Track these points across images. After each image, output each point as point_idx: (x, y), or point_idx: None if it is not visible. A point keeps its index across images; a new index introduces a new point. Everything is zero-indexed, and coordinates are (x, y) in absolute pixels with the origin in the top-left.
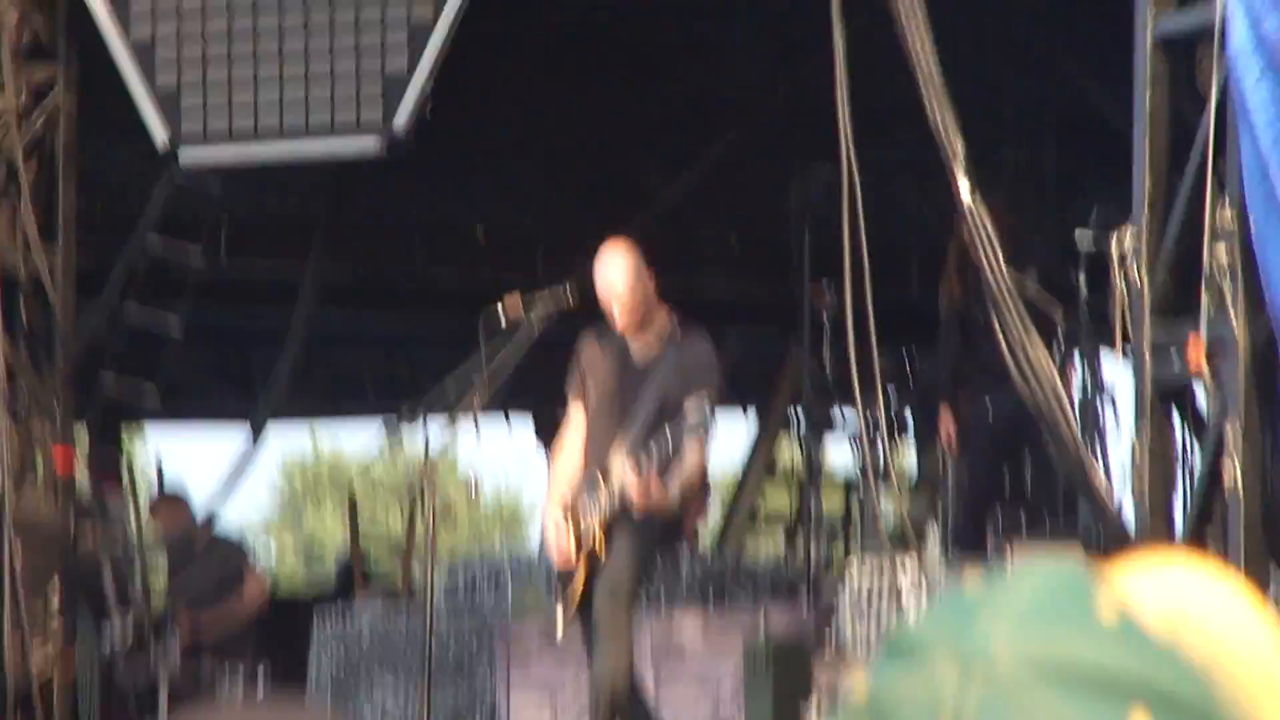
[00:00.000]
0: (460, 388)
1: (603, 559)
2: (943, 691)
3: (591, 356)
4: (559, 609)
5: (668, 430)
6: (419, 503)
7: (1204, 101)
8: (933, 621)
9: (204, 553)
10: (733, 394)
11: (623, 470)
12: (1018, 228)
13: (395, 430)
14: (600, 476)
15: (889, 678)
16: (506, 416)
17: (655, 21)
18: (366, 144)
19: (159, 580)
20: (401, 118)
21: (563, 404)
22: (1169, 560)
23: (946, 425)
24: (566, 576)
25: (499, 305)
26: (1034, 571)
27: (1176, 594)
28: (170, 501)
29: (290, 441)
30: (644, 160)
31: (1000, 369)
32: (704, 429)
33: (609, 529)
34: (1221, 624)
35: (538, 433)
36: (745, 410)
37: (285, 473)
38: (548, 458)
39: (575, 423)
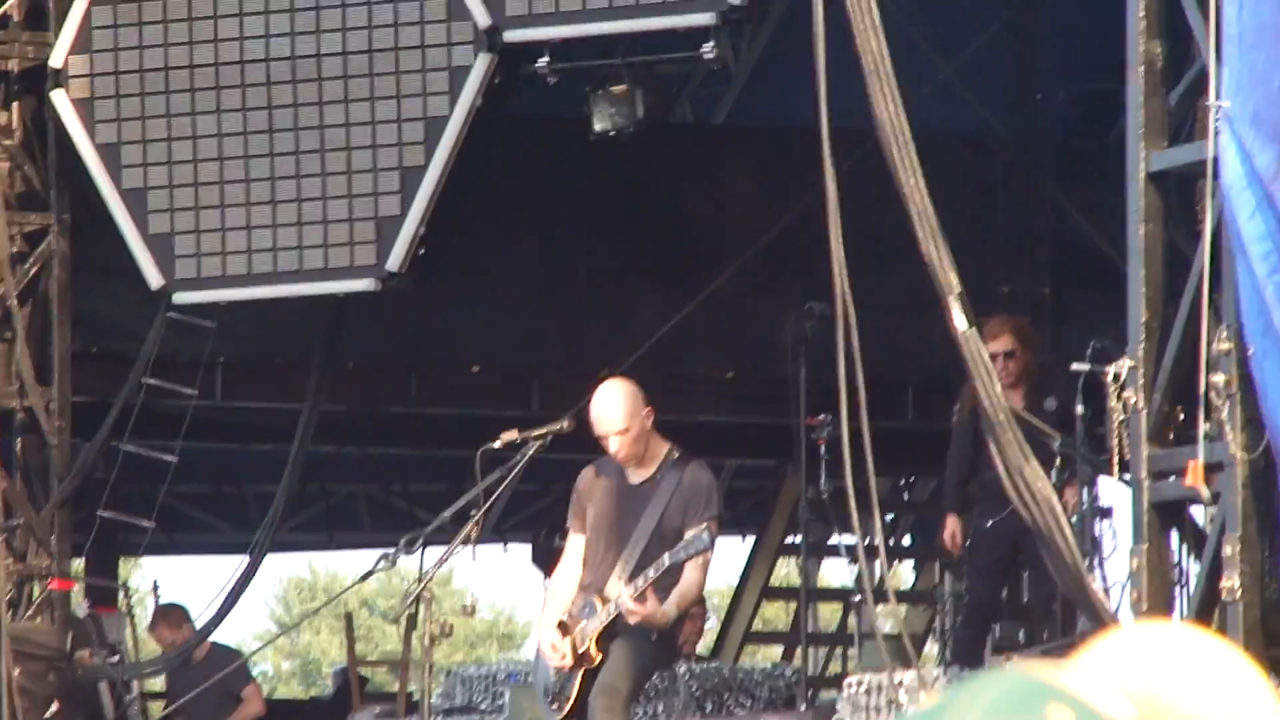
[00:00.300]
0: (458, 518)
1: (599, 667)
2: None
3: (589, 484)
4: (555, 713)
5: (667, 557)
6: (415, 618)
7: (1197, 233)
8: None
9: (204, 662)
10: (730, 521)
11: (619, 592)
12: (1044, 367)
13: (394, 558)
14: (597, 600)
15: None
16: (504, 544)
17: (650, 159)
18: (361, 284)
19: (157, 705)
20: (395, 258)
21: (560, 534)
22: (1154, 635)
23: (952, 530)
24: (561, 685)
25: (496, 440)
26: (992, 682)
27: (1153, 672)
28: (170, 612)
29: (286, 564)
30: (639, 296)
31: (999, 489)
32: (704, 554)
33: (605, 641)
34: (1201, 697)
35: (535, 560)
36: (743, 537)
37: (282, 595)
38: (545, 583)
39: (573, 550)
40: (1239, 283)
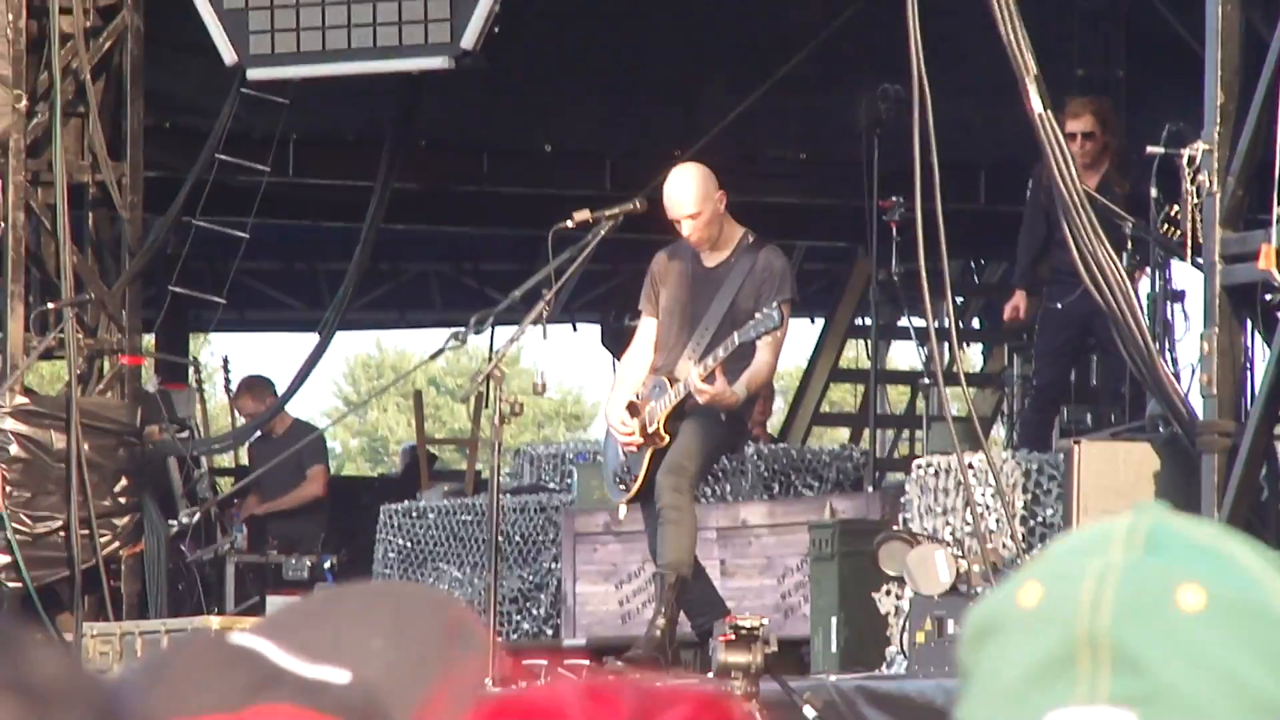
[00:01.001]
0: (528, 298)
1: (667, 448)
2: (1118, 522)
3: (663, 268)
4: (622, 494)
5: (737, 336)
6: (485, 397)
7: (1275, 14)
8: None
9: (284, 437)
10: (800, 303)
11: (689, 372)
12: (1124, 149)
13: (463, 337)
14: (668, 380)
15: (1064, 536)
16: (574, 325)
17: None
18: (435, 62)
19: (225, 481)
20: (469, 36)
21: (630, 314)
22: None
23: (1016, 304)
24: (629, 464)
25: (568, 221)
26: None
27: None
28: (255, 384)
29: (354, 343)
30: (713, 78)
31: (1072, 271)
32: (774, 332)
33: (673, 424)
34: None
35: (604, 341)
36: (812, 320)
37: (349, 373)
38: (614, 363)
39: (645, 332)
40: None
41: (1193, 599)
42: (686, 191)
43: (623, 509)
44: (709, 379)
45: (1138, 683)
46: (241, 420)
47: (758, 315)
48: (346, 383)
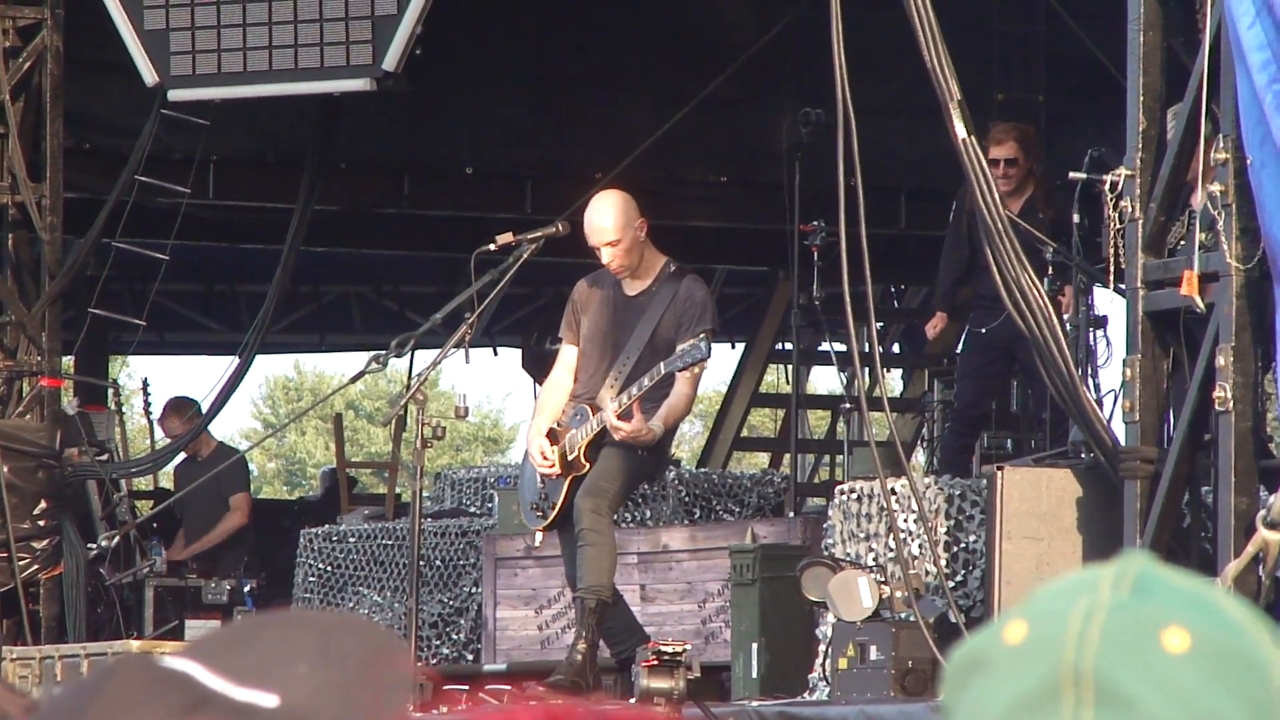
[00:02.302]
0: (449, 321)
1: (586, 473)
2: (1104, 569)
3: (585, 296)
4: (539, 520)
5: (663, 366)
6: (406, 420)
7: (1195, 41)
8: None
9: (209, 460)
10: (721, 328)
11: (606, 408)
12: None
13: (384, 360)
14: (588, 409)
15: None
16: (494, 349)
17: None
18: (357, 84)
19: (144, 504)
20: (391, 58)
21: (550, 339)
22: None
23: (935, 326)
24: (548, 490)
25: (490, 244)
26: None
27: None
28: (182, 405)
29: (271, 365)
30: (635, 102)
31: (995, 296)
32: (699, 364)
33: (593, 452)
34: None
35: (524, 364)
36: (733, 344)
37: (268, 395)
38: (534, 387)
39: (565, 359)
40: (1238, 92)
41: (1178, 640)
42: (606, 219)
43: (538, 535)
44: (625, 415)
45: (1120, 718)
46: (166, 442)
47: (684, 346)
48: (265, 405)
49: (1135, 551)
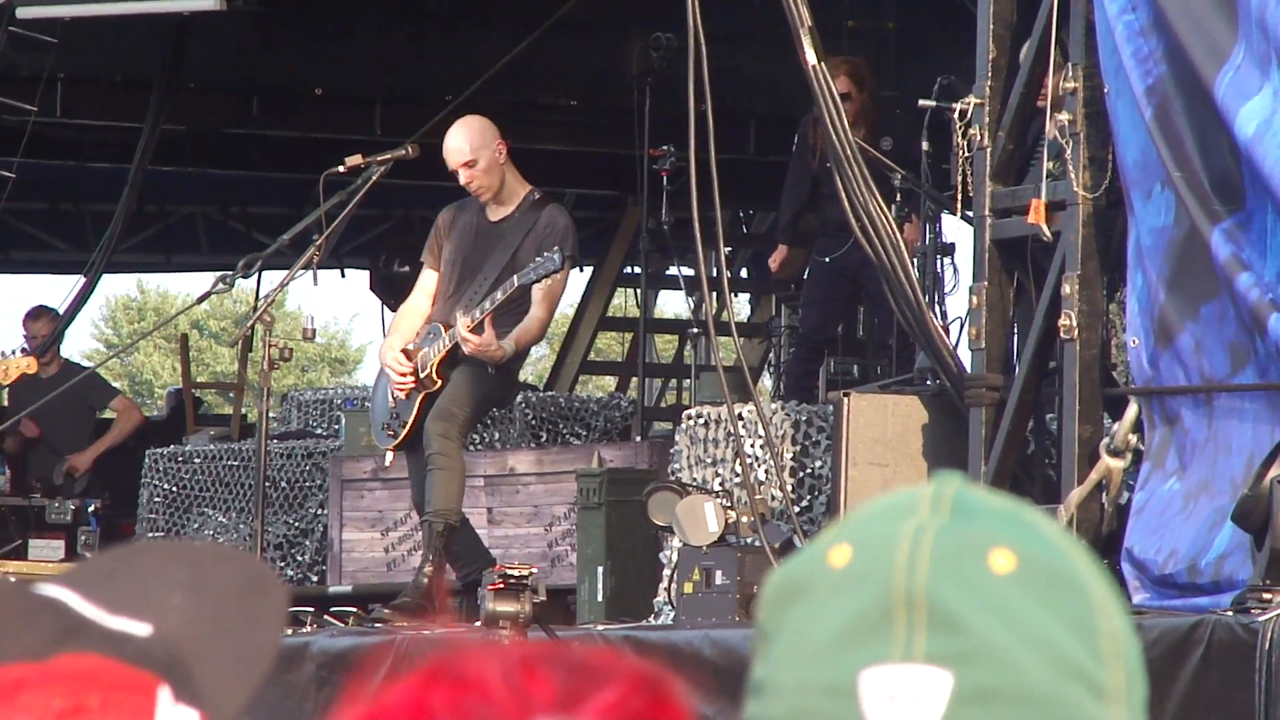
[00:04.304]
0: (297, 243)
1: (437, 393)
2: (921, 489)
3: (448, 222)
4: (390, 440)
5: (516, 279)
6: (252, 341)
7: None
8: None
9: (55, 379)
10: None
11: (461, 321)
12: (876, 101)
13: (230, 281)
14: (441, 327)
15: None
16: (342, 271)
17: None
18: (206, 3)
19: None
20: None
21: (399, 259)
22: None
23: (778, 259)
24: (400, 409)
25: (340, 165)
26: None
27: None
28: (43, 311)
29: (114, 285)
30: (485, 26)
31: (841, 224)
32: (553, 275)
33: (446, 369)
34: None
35: (372, 287)
36: (581, 268)
37: (110, 315)
38: (383, 309)
39: (424, 282)
40: (1095, 23)
41: (1004, 561)
42: (461, 139)
43: (389, 455)
44: (477, 329)
45: (954, 641)
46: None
47: (537, 259)
48: (107, 325)
49: (946, 474)
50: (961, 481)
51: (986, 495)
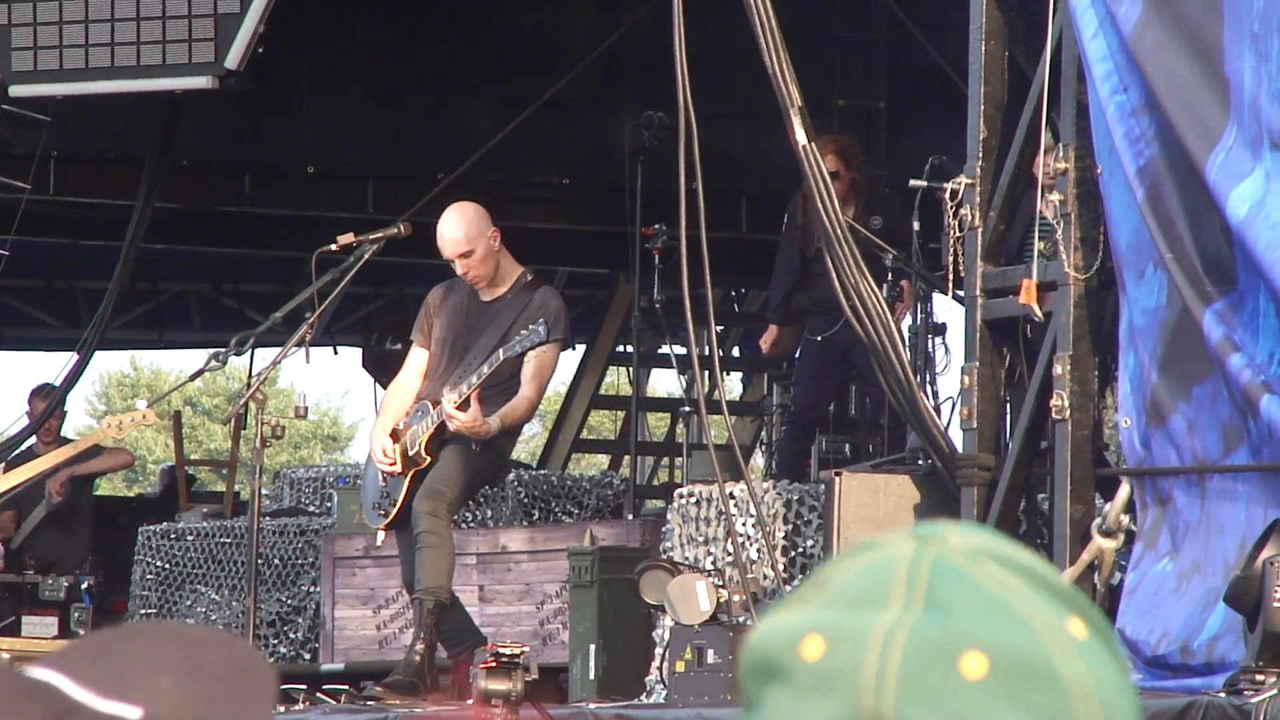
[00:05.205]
0: (290, 320)
1: (426, 472)
2: (897, 557)
3: (439, 301)
4: (380, 519)
5: (501, 352)
6: (245, 418)
7: (1037, 50)
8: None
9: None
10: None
11: (448, 398)
12: (865, 180)
13: (223, 358)
14: (429, 405)
15: (839, 562)
16: (334, 348)
17: None
18: (199, 81)
19: None
20: (233, 57)
21: (391, 337)
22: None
23: (769, 339)
24: (390, 489)
25: (332, 243)
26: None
27: None
28: (45, 390)
29: (107, 362)
30: (476, 104)
31: (832, 303)
32: (538, 348)
33: (434, 446)
34: None
35: (364, 364)
36: (573, 346)
37: (103, 392)
38: (374, 387)
39: (414, 361)
40: (1089, 103)
41: (975, 665)
42: (457, 230)
43: (380, 534)
44: (464, 406)
45: None
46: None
47: (522, 332)
48: (100, 401)
49: (926, 534)
50: (941, 548)
51: (965, 564)
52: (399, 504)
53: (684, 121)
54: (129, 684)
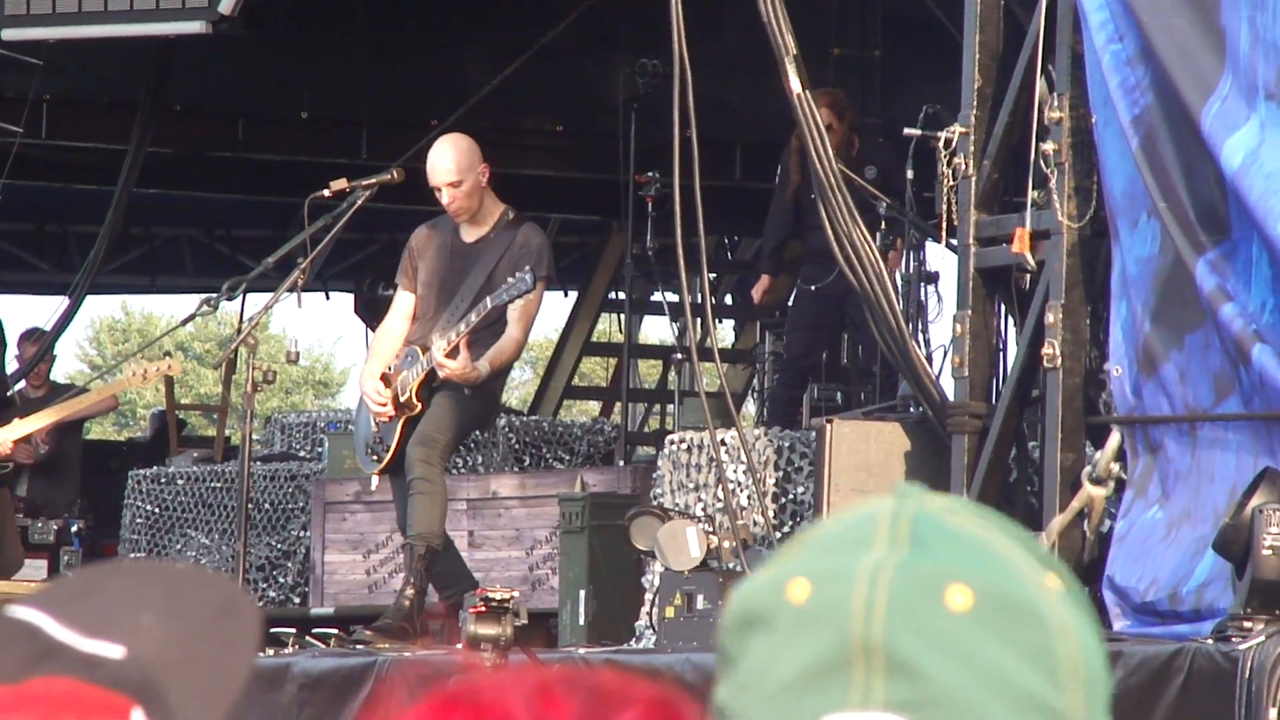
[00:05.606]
0: (282, 265)
1: (418, 418)
2: (880, 508)
3: (423, 242)
4: (374, 463)
5: (489, 300)
6: (236, 363)
7: (1033, 1)
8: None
9: (46, 397)
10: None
11: (437, 345)
12: (857, 130)
13: (215, 303)
14: (420, 350)
15: (825, 521)
16: (327, 294)
17: None
18: (192, 26)
19: None
20: (227, 1)
21: (383, 283)
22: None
23: (761, 289)
24: (382, 434)
25: (324, 189)
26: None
27: None
28: (34, 335)
29: (99, 307)
30: (471, 50)
31: (826, 253)
32: (525, 295)
33: (425, 393)
34: None
35: (356, 310)
36: (565, 293)
37: (95, 336)
38: (366, 333)
39: (400, 305)
40: (1084, 52)
41: (960, 599)
42: (449, 159)
43: (374, 479)
44: (453, 353)
45: (912, 688)
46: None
47: (509, 280)
48: (91, 346)
49: (907, 489)
50: (920, 500)
51: (946, 514)
52: (392, 449)
53: (679, 69)
54: (111, 622)
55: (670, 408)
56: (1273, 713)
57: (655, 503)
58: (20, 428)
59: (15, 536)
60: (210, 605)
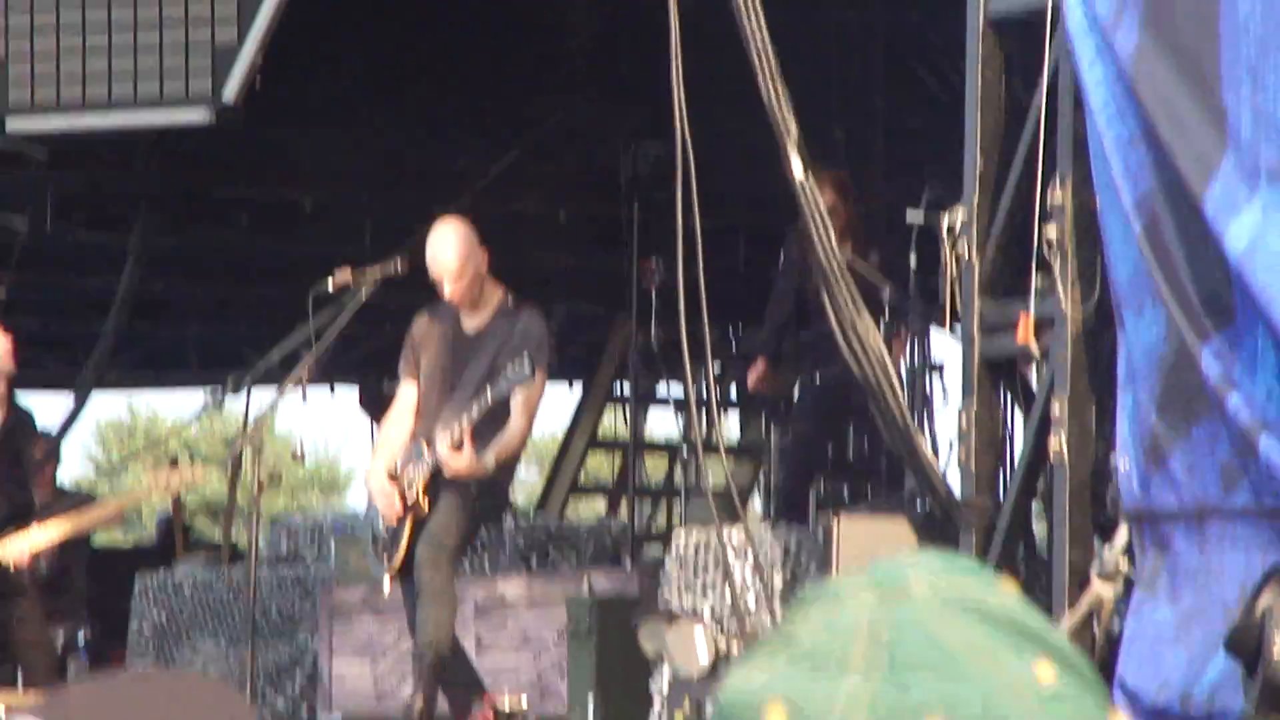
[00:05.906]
0: (286, 360)
1: (426, 518)
2: (859, 614)
3: (423, 332)
4: (385, 567)
5: (490, 393)
6: (241, 464)
7: (1035, 82)
8: (849, 574)
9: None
10: (559, 367)
11: (438, 444)
12: (862, 214)
13: (220, 399)
14: (425, 445)
15: (804, 612)
16: (331, 387)
17: None
18: (195, 115)
19: None
20: (230, 89)
21: (388, 376)
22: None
23: (757, 373)
24: (391, 536)
25: (328, 279)
26: (942, 553)
27: None
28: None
29: (104, 407)
30: (473, 136)
31: (830, 342)
32: (525, 384)
33: (432, 491)
34: None
35: (362, 404)
36: (570, 385)
37: (100, 436)
38: (372, 427)
39: (405, 397)
40: (1088, 133)
41: None
42: (451, 250)
43: (386, 583)
44: (458, 447)
45: None
46: None
47: (508, 369)
48: (97, 447)
49: (887, 573)
50: (900, 605)
51: (928, 622)
52: (402, 551)
53: (681, 156)
54: None
55: (677, 503)
56: None
57: (663, 603)
58: (37, 536)
59: (48, 645)
60: (210, 712)
